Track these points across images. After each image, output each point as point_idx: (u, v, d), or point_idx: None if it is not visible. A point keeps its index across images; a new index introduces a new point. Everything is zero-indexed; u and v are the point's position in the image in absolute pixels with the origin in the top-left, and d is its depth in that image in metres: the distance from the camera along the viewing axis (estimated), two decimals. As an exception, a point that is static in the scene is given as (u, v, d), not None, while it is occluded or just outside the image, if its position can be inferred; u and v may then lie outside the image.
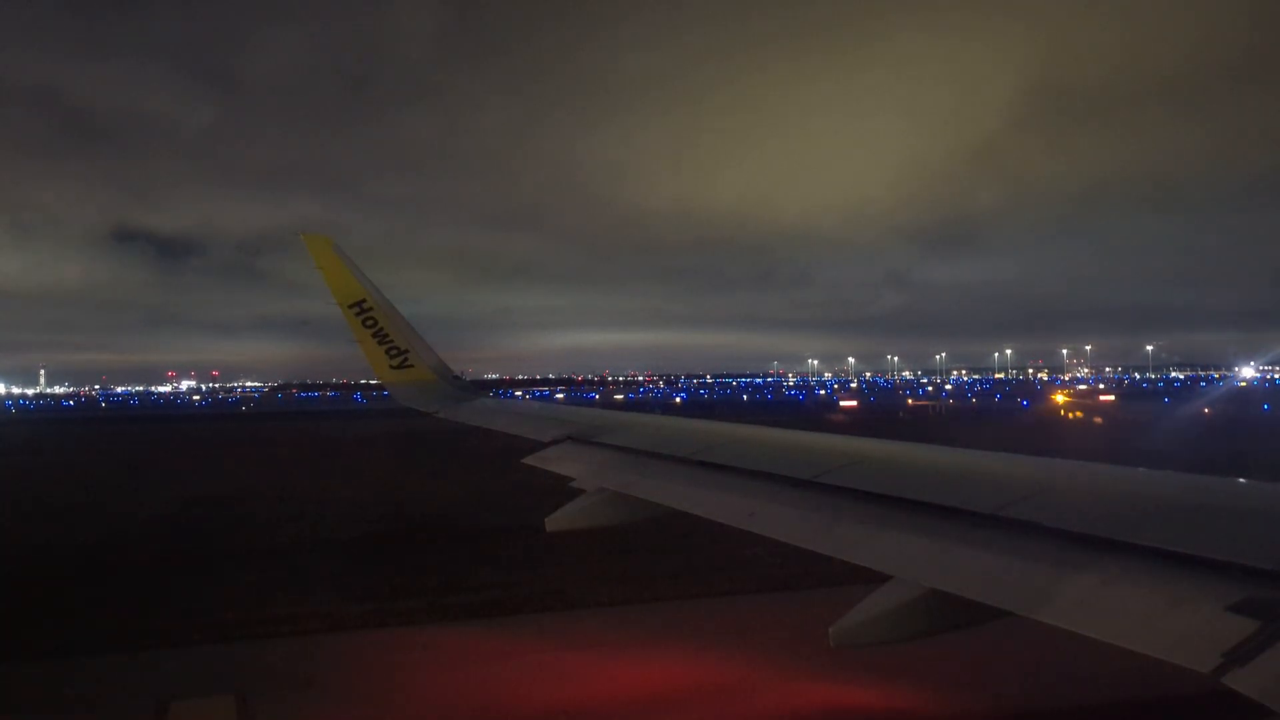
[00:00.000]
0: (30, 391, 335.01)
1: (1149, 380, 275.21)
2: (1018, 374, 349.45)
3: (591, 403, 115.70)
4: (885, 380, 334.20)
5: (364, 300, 13.99)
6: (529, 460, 9.82)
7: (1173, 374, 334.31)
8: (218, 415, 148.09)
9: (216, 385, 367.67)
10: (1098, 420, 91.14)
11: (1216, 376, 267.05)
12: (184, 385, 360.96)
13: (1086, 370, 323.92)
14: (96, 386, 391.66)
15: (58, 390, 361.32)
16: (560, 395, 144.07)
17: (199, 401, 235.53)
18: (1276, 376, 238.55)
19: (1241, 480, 5.19)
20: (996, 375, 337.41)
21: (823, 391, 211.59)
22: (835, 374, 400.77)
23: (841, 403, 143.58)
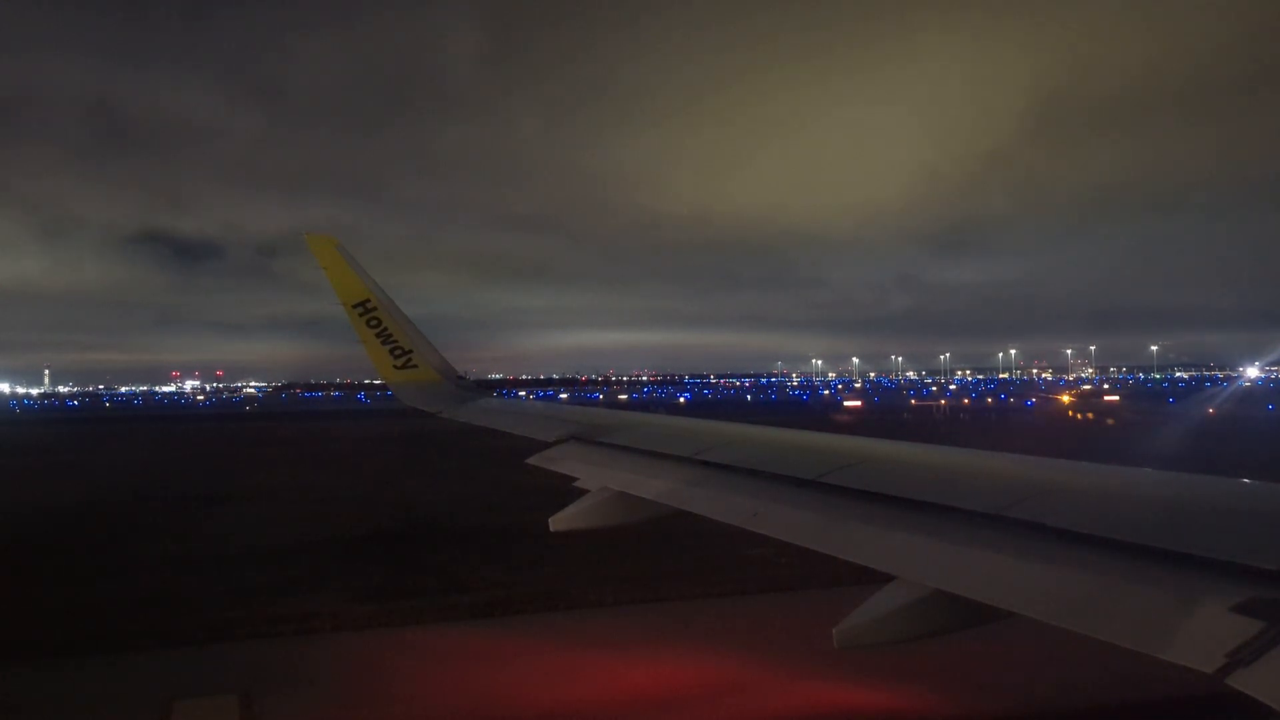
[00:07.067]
0: (35, 391, 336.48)
1: (1153, 380, 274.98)
2: (1021, 374, 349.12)
3: (595, 403, 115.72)
4: (890, 380, 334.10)
5: (368, 300, 13.98)
6: (532, 460, 9.81)
7: (1177, 374, 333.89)
8: (223, 415, 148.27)
9: (220, 385, 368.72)
10: (1109, 421, 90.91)
11: (1221, 376, 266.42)
12: (188, 385, 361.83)
13: (1091, 370, 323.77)
14: (100, 386, 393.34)
15: (62, 390, 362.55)
16: (564, 395, 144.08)
17: (202, 401, 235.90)
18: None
19: (1245, 480, 5.17)
20: (1000, 375, 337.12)
21: (827, 392, 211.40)
22: (839, 374, 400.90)
23: (846, 403, 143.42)
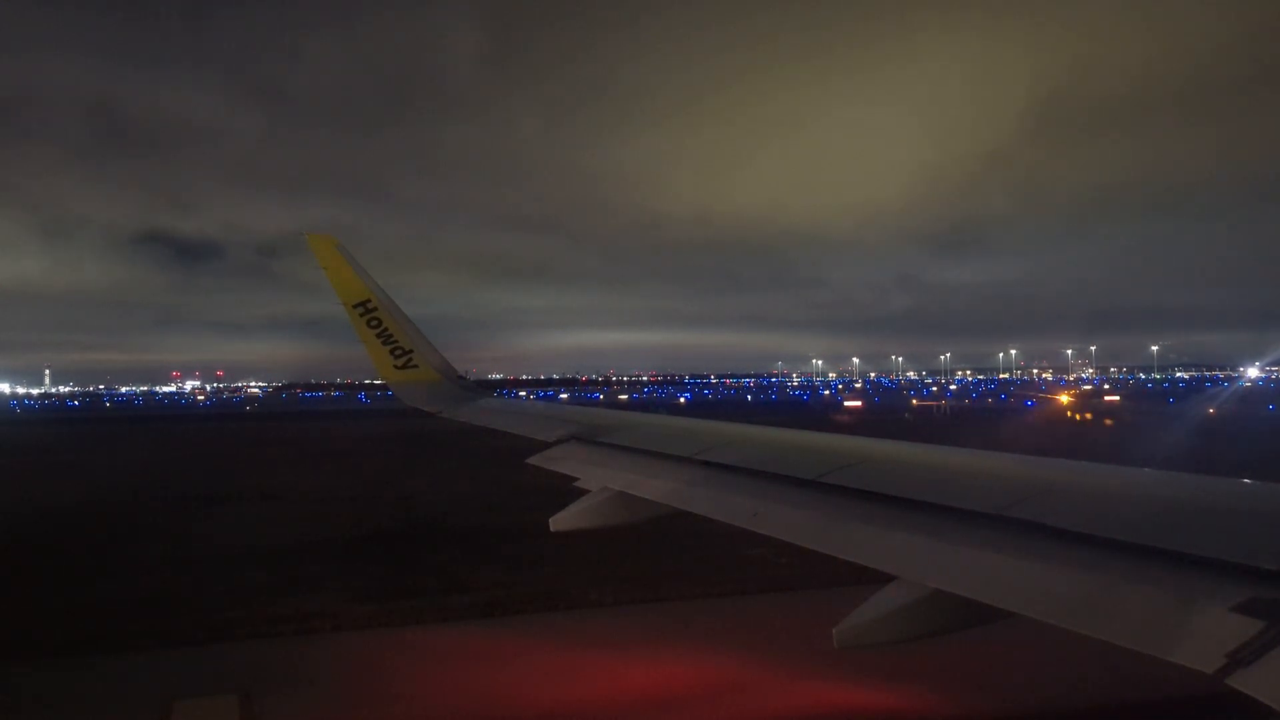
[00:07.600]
0: (35, 391, 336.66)
1: (1154, 380, 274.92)
2: (1022, 374, 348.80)
3: (595, 403, 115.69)
4: (890, 381, 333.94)
5: (368, 300, 13.97)
6: (533, 460, 9.80)
7: (1178, 374, 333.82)
8: (224, 415, 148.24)
9: (221, 385, 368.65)
10: (1108, 421, 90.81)
11: (1222, 376, 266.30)
12: (188, 385, 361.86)
13: (1091, 370, 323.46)
14: (101, 386, 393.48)
15: (62, 390, 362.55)
16: (564, 395, 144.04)
17: (203, 401, 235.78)
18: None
19: (1245, 480, 5.16)
20: (1001, 375, 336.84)
21: (827, 392, 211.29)
22: (840, 374, 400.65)
23: (846, 403, 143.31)
